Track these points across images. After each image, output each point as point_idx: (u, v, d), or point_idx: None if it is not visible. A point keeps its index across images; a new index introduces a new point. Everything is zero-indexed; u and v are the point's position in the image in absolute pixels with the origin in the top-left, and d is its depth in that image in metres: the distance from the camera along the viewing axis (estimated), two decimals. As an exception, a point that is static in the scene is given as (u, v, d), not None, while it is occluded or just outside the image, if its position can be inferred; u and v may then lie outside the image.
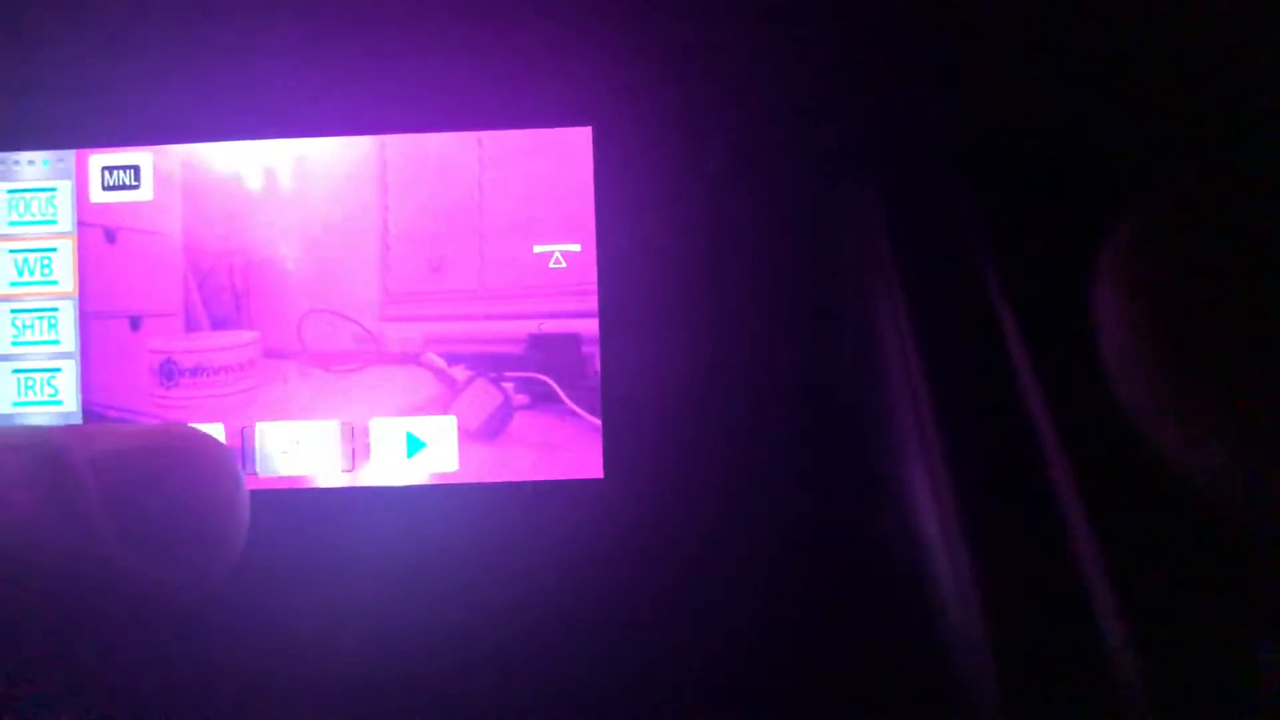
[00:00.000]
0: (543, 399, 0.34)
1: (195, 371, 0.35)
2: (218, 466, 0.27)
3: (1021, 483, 0.30)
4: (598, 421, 0.34)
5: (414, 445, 0.34)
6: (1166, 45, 0.32)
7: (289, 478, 0.34)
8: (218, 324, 0.35)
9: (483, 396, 0.34)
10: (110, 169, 0.35)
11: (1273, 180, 0.30)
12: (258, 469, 0.34)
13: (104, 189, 0.35)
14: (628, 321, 0.34)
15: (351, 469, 0.34)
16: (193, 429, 0.28)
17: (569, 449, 0.34)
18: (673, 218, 0.34)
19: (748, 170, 0.34)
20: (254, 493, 0.32)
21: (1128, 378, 0.29)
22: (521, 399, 0.34)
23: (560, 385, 0.34)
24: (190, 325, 0.35)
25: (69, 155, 0.35)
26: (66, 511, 0.24)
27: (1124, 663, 0.28)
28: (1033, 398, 0.30)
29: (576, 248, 0.34)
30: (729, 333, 0.34)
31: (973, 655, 0.30)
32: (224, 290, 0.35)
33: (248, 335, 0.35)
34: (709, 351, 0.34)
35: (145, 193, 0.35)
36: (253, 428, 0.34)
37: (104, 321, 0.35)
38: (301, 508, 0.34)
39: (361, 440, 0.34)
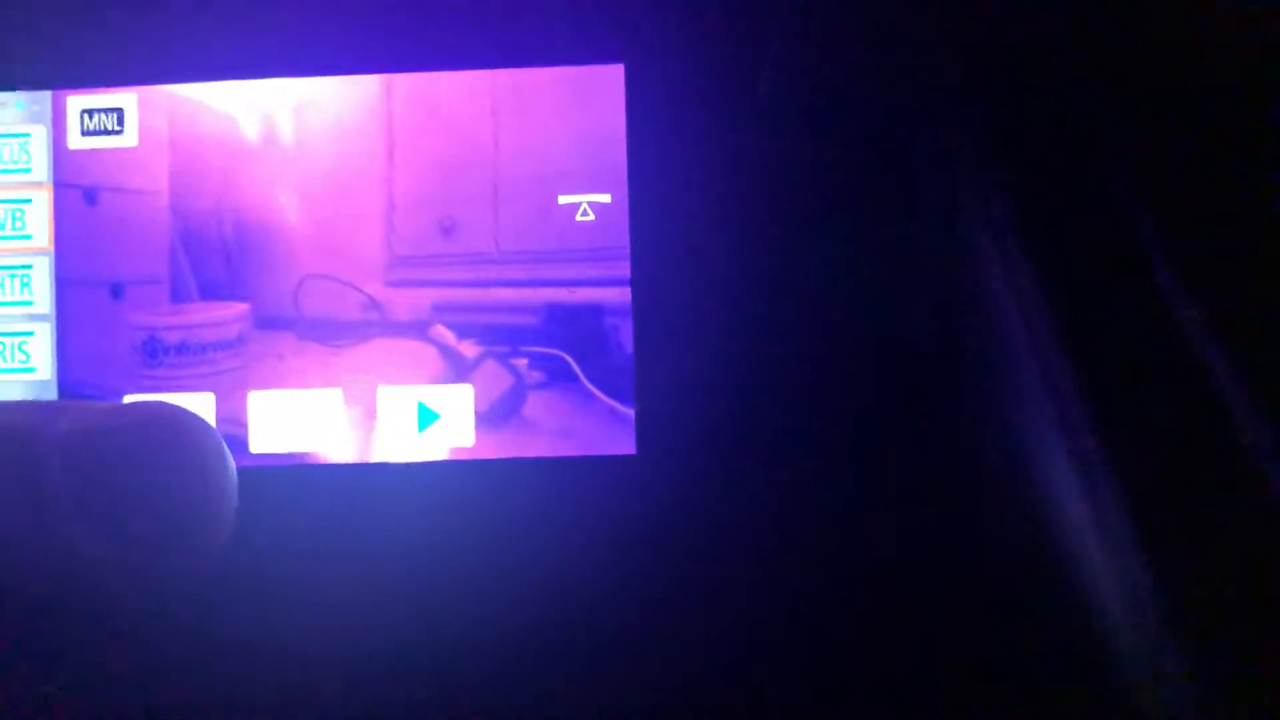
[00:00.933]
0: (559, 378, 0.32)
1: (181, 349, 0.32)
2: (201, 447, 0.25)
3: (1200, 435, 0.27)
4: (619, 406, 0.32)
5: (426, 417, 0.32)
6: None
7: (288, 454, 0.32)
8: (207, 290, 0.32)
9: (493, 378, 0.32)
10: (91, 112, 0.33)
11: None
12: (251, 444, 0.32)
13: (83, 134, 0.33)
14: (663, 279, 0.32)
15: (357, 443, 0.32)
16: (174, 406, 0.26)
17: (588, 436, 0.32)
18: (715, 165, 0.32)
19: (804, 104, 0.32)
20: (251, 470, 0.31)
21: None
22: (536, 376, 0.32)
23: (579, 362, 0.32)
24: (177, 293, 0.33)
25: (45, 97, 0.33)
26: (26, 496, 0.23)
27: None
28: (1203, 332, 0.27)
29: (606, 198, 0.32)
30: (781, 292, 0.32)
31: (1141, 658, 0.26)
32: (214, 253, 0.33)
33: (237, 308, 0.32)
34: (756, 312, 0.32)
35: (129, 138, 0.33)
36: (246, 398, 0.32)
37: (83, 290, 0.33)
38: (303, 486, 0.32)
39: (368, 412, 0.32)
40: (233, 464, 0.25)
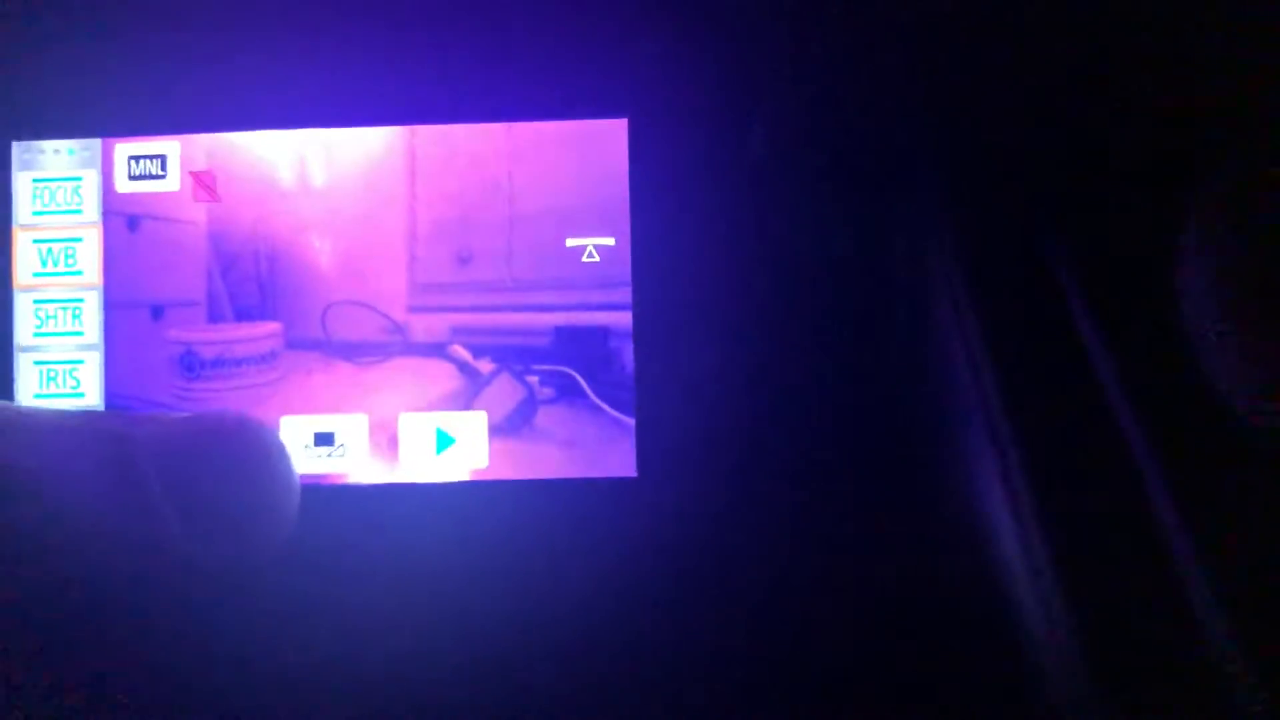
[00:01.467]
0: (568, 393, 0.34)
1: (217, 363, 0.34)
2: (268, 448, 0.27)
3: (1106, 481, 0.30)
4: (622, 417, 0.34)
5: (443, 441, 0.34)
6: (1227, 37, 0.31)
7: (315, 475, 0.34)
8: (241, 315, 0.34)
9: (507, 390, 0.34)
10: (136, 158, 0.35)
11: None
12: None
13: (130, 179, 0.35)
14: (662, 317, 0.34)
15: (379, 465, 0.34)
16: (243, 414, 0.28)
17: (593, 445, 0.34)
18: (710, 212, 0.34)
19: (791, 160, 0.33)
20: None
21: (1218, 353, 0.29)
22: (546, 392, 0.34)
23: (586, 379, 0.34)
24: (213, 316, 0.34)
25: (95, 144, 0.35)
26: (131, 494, 0.25)
27: (1228, 663, 0.27)
28: (1115, 394, 0.30)
29: (611, 241, 0.34)
30: (769, 330, 0.33)
31: (1058, 660, 0.29)
32: (248, 280, 0.34)
33: (270, 326, 0.34)
34: (747, 349, 0.33)
35: (171, 183, 0.35)
36: (276, 422, 0.34)
37: (125, 311, 0.35)
38: (328, 504, 0.34)
39: (390, 436, 0.34)
40: (293, 462, 0.28)
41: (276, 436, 0.28)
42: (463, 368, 0.34)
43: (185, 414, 0.28)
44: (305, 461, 0.34)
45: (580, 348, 0.34)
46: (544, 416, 0.34)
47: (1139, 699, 0.28)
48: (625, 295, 0.34)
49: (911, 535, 0.32)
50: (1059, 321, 0.31)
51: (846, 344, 0.33)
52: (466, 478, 0.34)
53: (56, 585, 0.25)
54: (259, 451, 0.27)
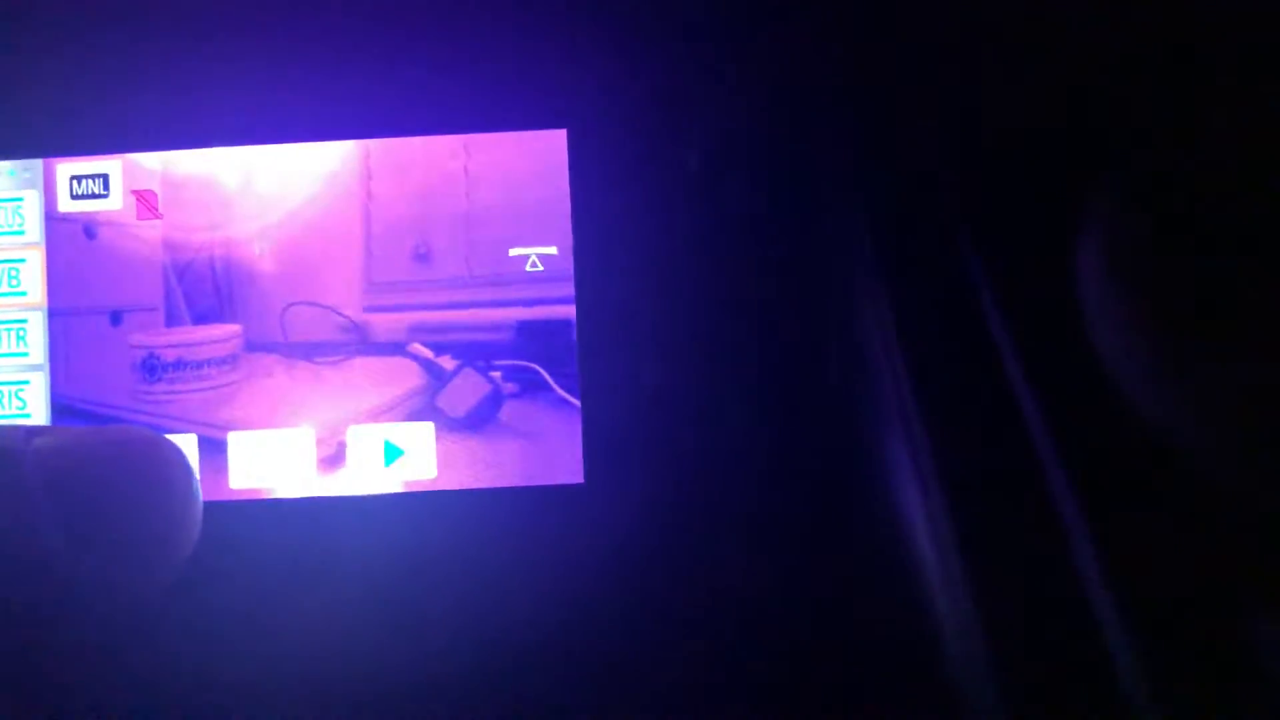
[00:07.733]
0: (532, 387, 0.34)
1: (178, 365, 0.34)
2: (168, 465, 0.27)
3: (1012, 479, 0.30)
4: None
5: (391, 453, 0.34)
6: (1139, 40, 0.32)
7: (264, 488, 0.34)
8: (199, 318, 0.34)
9: (470, 385, 0.34)
10: (79, 178, 0.34)
11: (1252, 156, 0.30)
12: (230, 479, 0.34)
13: (72, 198, 0.34)
14: (606, 326, 0.34)
15: (327, 478, 0.34)
16: (145, 430, 0.27)
17: (558, 436, 0.34)
18: (650, 220, 0.34)
19: (728, 170, 0.34)
20: (227, 503, 0.33)
21: (1120, 360, 0.29)
22: (510, 387, 0.34)
23: (550, 372, 0.34)
24: (171, 320, 0.34)
25: (36, 164, 0.35)
26: (9, 506, 0.24)
27: (1122, 654, 0.28)
28: (1021, 392, 0.30)
29: (553, 251, 0.34)
30: (711, 336, 0.34)
31: (966, 655, 0.30)
32: (205, 284, 0.34)
33: (230, 328, 0.34)
34: (690, 355, 0.34)
35: (114, 202, 0.34)
36: (225, 438, 0.34)
37: (85, 317, 0.34)
38: (276, 517, 0.34)
39: (339, 448, 0.34)
40: (198, 485, 0.27)
41: (179, 451, 0.27)
42: (425, 365, 0.34)
43: (86, 428, 0.27)
44: (251, 474, 0.34)
45: (544, 341, 0.34)
46: (509, 410, 0.34)
47: (1038, 690, 0.29)
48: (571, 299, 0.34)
49: (856, 537, 0.33)
50: (971, 322, 0.31)
51: (789, 347, 0.34)
52: (415, 489, 0.34)
53: None
54: (158, 466, 0.26)
